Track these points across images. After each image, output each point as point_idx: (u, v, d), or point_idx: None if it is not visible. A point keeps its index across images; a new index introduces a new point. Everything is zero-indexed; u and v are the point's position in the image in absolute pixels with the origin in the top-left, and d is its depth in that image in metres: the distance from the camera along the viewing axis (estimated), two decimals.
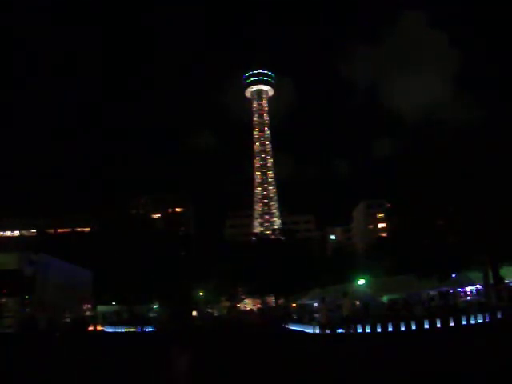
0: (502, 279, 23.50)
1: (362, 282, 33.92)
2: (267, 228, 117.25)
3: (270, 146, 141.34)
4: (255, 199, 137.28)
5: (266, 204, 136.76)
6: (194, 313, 52.60)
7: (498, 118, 26.30)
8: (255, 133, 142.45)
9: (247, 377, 10.89)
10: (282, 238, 70.95)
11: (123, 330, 35.20)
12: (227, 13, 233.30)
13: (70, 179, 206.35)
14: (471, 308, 24.20)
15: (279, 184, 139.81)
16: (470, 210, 24.48)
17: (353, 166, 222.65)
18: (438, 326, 21.69)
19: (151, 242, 48.55)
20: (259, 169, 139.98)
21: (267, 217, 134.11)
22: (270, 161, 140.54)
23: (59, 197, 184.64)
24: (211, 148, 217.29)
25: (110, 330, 35.88)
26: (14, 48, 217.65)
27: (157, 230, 65.35)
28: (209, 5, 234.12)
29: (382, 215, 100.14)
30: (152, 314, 46.86)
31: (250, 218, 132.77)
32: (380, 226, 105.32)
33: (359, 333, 22.26)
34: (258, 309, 68.82)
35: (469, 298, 28.77)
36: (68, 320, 29.02)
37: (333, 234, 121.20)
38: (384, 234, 78.02)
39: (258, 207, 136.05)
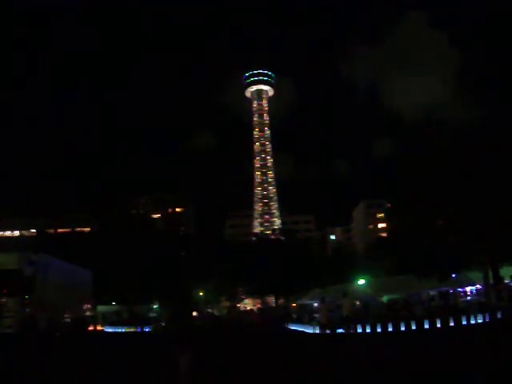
0: (502, 279, 23.47)
1: (361, 282, 33.96)
2: (267, 228, 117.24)
3: (269, 146, 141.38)
4: (255, 199, 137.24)
5: (266, 204, 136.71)
6: (194, 313, 52.55)
7: (497, 117, 26.31)
8: (255, 133, 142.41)
9: (247, 377, 10.88)
10: (282, 238, 71.00)
11: (123, 330, 35.23)
12: (227, 13, 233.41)
13: (69, 179, 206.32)
14: (471, 308, 24.22)
15: (279, 184, 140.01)
16: (470, 210, 24.49)
17: (353, 165, 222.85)
18: (438, 325, 21.71)
19: (151, 242, 48.60)
20: (259, 169, 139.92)
21: (267, 217, 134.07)
22: (270, 161, 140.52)
23: (59, 197, 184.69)
24: (211, 148, 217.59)
25: (109, 329, 35.92)
26: (13, 48, 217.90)
27: (157, 230, 65.44)
28: (209, 5, 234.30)
29: (382, 215, 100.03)
30: (152, 314, 46.85)
31: (250, 218, 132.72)
32: (380, 225, 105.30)
33: (359, 333, 22.26)
34: (258, 309, 68.67)
35: (469, 297, 28.76)
36: (68, 320, 29.00)
37: (333, 233, 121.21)
38: (384, 234, 77.99)
39: (258, 207, 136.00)
